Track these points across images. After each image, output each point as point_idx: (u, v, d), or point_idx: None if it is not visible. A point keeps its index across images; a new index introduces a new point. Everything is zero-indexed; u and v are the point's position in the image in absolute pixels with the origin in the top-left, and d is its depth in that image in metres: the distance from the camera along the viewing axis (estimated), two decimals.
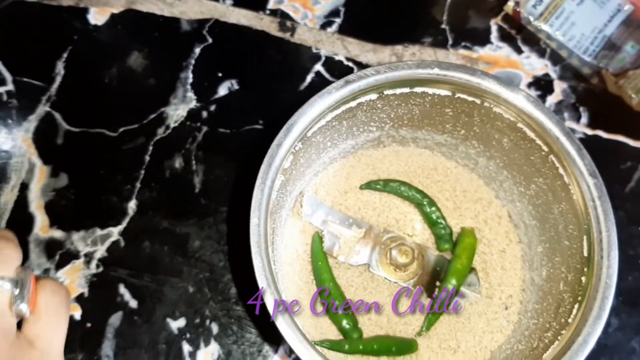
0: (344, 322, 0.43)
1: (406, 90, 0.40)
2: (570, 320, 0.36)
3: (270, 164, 0.36)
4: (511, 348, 0.41)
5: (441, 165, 0.47)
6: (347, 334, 0.43)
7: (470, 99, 0.40)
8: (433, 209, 0.46)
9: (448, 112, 0.42)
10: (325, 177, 0.47)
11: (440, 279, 0.45)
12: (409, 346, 0.43)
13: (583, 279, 0.37)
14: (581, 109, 0.59)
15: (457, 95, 0.40)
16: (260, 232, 0.34)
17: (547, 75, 0.60)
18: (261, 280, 0.34)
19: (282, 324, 0.34)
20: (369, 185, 0.47)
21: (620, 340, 0.51)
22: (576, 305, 0.36)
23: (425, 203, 0.46)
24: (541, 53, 0.61)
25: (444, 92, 0.40)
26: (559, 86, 0.60)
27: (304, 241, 0.46)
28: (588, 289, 0.36)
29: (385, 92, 0.40)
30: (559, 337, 0.36)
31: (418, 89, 0.40)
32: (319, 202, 0.46)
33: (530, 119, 0.39)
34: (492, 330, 0.43)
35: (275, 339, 0.51)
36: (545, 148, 0.39)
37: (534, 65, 0.60)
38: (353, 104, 0.39)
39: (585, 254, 0.37)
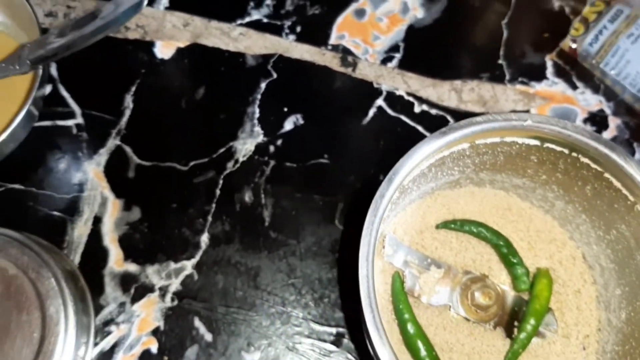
0: None
1: (497, 139, 0.41)
2: None
3: (375, 215, 0.37)
4: None
5: (515, 206, 0.49)
6: None
7: (558, 149, 0.41)
8: (511, 250, 0.47)
9: (533, 160, 0.43)
10: (404, 217, 0.48)
11: (518, 319, 0.46)
12: None
13: None
14: (635, 144, 0.60)
15: (546, 145, 0.41)
16: (369, 283, 0.35)
17: (601, 111, 0.61)
18: (374, 334, 0.35)
19: (382, 347, 0.35)
20: (446, 225, 0.49)
21: None
22: None
23: (502, 244, 0.48)
24: (595, 89, 0.62)
25: (533, 142, 0.41)
26: (613, 122, 0.61)
27: (384, 281, 0.47)
28: None
29: (477, 142, 0.41)
30: None
31: (508, 139, 0.41)
32: (399, 242, 0.47)
33: (618, 170, 0.40)
34: None
35: None
36: (631, 198, 0.41)
37: (589, 101, 0.62)
38: (446, 152, 0.41)
39: None
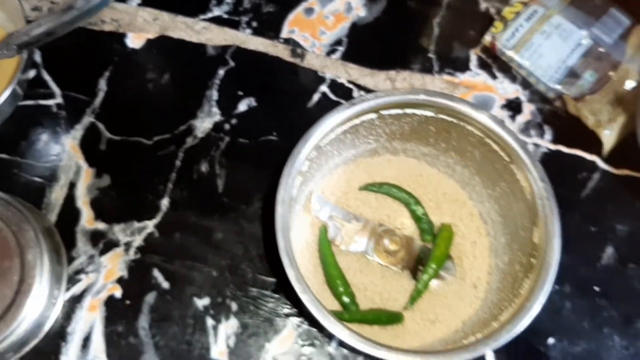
0: (345, 298, 0.53)
1: (399, 111, 0.50)
2: (522, 291, 0.46)
3: (292, 166, 0.46)
4: (477, 317, 0.51)
5: (426, 172, 0.58)
6: (347, 307, 0.53)
7: (449, 119, 0.50)
8: (418, 207, 0.56)
9: (431, 129, 0.52)
10: (331, 179, 0.57)
11: (423, 265, 0.55)
12: (396, 318, 0.53)
13: (533, 260, 0.47)
14: (545, 127, 0.69)
15: (439, 115, 0.50)
16: (284, 220, 0.44)
17: (517, 98, 0.70)
18: (284, 257, 0.43)
19: (303, 293, 0.43)
20: (367, 187, 0.58)
21: (573, 320, 0.61)
22: (526, 280, 0.47)
23: (412, 202, 0.56)
24: (513, 79, 0.71)
25: (428, 113, 0.50)
26: (528, 108, 0.70)
27: (312, 232, 0.56)
28: (536, 267, 0.46)
29: (382, 113, 0.50)
30: (512, 304, 0.46)
31: (408, 110, 0.50)
32: (325, 200, 0.56)
33: (495, 135, 0.49)
34: (464, 305, 0.53)
35: (284, 314, 0.60)
36: (506, 158, 0.50)
37: (507, 89, 0.71)
38: (357, 121, 0.50)
39: (535, 241, 0.47)
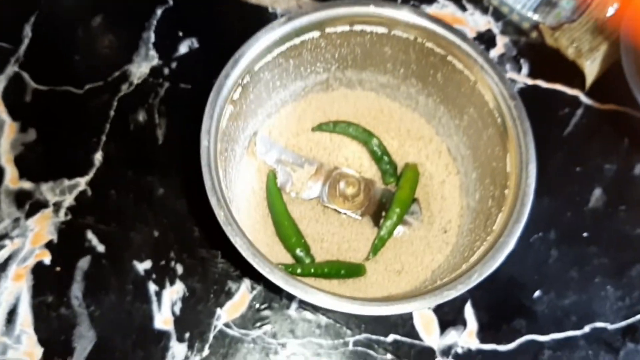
0: (298, 250, 0.47)
1: (346, 28, 0.43)
2: (494, 227, 0.40)
3: (218, 93, 0.39)
4: (448, 264, 0.45)
5: (386, 107, 0.51)
6: (301, 261, 0.47)
7: (405, 35, 0.43)
8: (378, 146, 0.50)
9: (387, 51, 0.45)
10: (278, 119, 0.50)
11: (385, 209, 0.48)
12: (357, 270, 0.47)
13: (506, 191, 0.41)
14: (522, 61, 0.63)
15: (393, 32, 0.43)
16: (210, 153, 0.37)
17: (489, 30, 0.64)
18: (211, 196, 0.37)
19: (243, 247, 0.37)
20: (320, 127, 0.51)
21: (560, 270, 0.55)
22: (499, 215, 0.40)
23: (371, 141, 0.50)
24: (484, 10, 0.64)
25: (380, 30, 0.44)
26: (501, 40, 0.63)
27: (259, 179, 0.49)
28: (509, 198, 0.40)
29: (327, 30, 0.43)
30: (485, 243, 0.40)
31: (357, 27, 0.43)
32: (272, 142, 0.49)
33: (457, 50, 0.42)
34: (433, 252, 0.47)
35: (237, 276, 0.54)
36: (472, 78, 0.43)
37: (478, 22, 0.64)
38: (297, 41, 0.43)
39: (508, 169, 0.41)
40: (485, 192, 0.44)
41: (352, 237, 0.48)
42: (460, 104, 0.46)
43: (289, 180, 0.48)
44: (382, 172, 0.50)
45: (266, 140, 0.48)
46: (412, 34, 0.43)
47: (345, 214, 0.49)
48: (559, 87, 0.62)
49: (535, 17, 0.62)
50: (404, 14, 0.42)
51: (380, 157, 0.49)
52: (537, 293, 0.53)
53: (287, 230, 0.47)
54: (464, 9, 0.64)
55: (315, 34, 0.43)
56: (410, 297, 0.37)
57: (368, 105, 0.51)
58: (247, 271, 0.54)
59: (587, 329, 0.53)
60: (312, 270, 0.46)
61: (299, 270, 0.46)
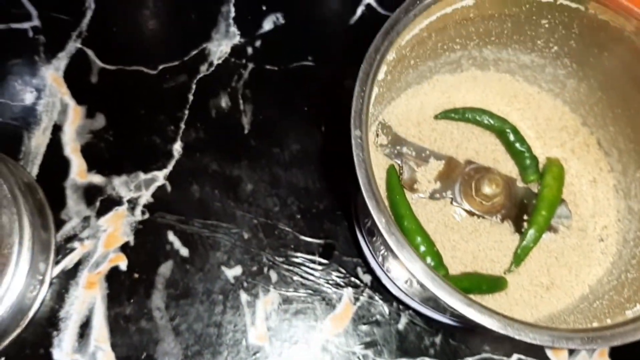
0: (429, 260, 0.40)
1: None
2: None
3: (368, 71, 0.32)
4: (617, 279, 0.38)
5: (522, 92, 0.44)
6: None
7: (574, 5, 0.36)
8: (518, 137, 0.42)
9: (544, 24, 0.38)
10: (399, 105, 0.43)
11: (528, 213, 0.41)
12: (498, 283, 0.40)
13: None
14: None
15: (560, 1, 0.36)
16: (363, 145, 0.30)
17: None
18: (369, 198, 0.30)
19: (395, 244, 0.30)
20: (446, 115, 0.44)
21: None
22: None
23: (508, 131, 0.43)
24: None
25: None
26: None
27: (378, 175, 0.42)
28: None
29: None
30: None
31: None
32: (394, 132, 0.42)
33: None
34: (589, 264, 0.40)
35: (337, 285, 0.47)
36: None
37: None
38: (449, 9, 0.35)
39: None
40: None
41: (489, 244, 0.41)
42: (628, 90, 0.38)
43: (413, 176, 0.41)
44: (522, 168, 0.42)
45: (388, 130, 0.41)
46: (583, 4, 0.36)
47: (482, 217, 0.41)
48: None
49: None
50: None
51: (520, 150, 0.42)
52: None
53: (414, 235, 0.40)
54: None
55: (470, 1, 0.35)
56: (604, 328, 0.30)
57: (500, 89, 0.44)
58: (350, 279, 0.47)
59: None
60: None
61: None
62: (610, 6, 0.35)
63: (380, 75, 0.33)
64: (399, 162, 0.42)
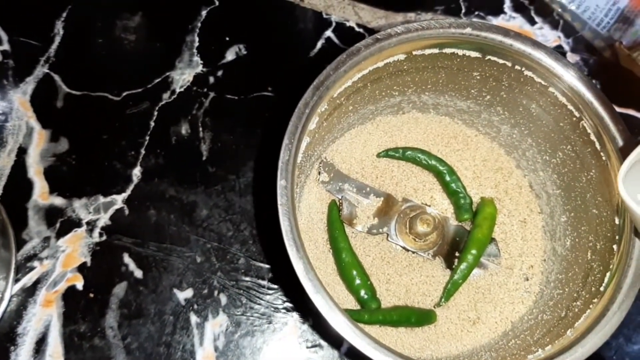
0: (362, 292, 0.42)
1: (435, 51, 0.38)
2: (602, 288, 0.35)
3: (298, 124, 0.34)
4: (535, 318, 0.40)
5: (461, 134, 0.46)
6: (365, 304, 0.42)
7: (501, 61, 0.38)
8: (453, 177, 0.45)
9: (475, 76, 0.40)
10: (342, 143, 0.45)
11: (459, 250, 0.44)
12: (428, 317, 0.42)
13: (615, 247, 0.36)
14: (593, 82, 0.58)
15: (488, 57, 0.38)
16: (288, 194, 0.33)
17: (559, 47, 0.59)
18: (289, 244, 0.32)
19: (316, 294, 0.32)
20: (387, 153, 0.46)
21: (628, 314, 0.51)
22: (608, 274, 0.36)
23: (445, 172, 0.45)
24: (554, 25, 0.60)
25: (474, 54, 0.39)
26: (572, 59, 0.59)
27: (320, 209, 0.44)
28: (621, 257, 0.35)
29: (414, 53, 0.38)
30: (591, 306, 0.35)
31: (448, 50, 0.38)
32: (337, 169, 0.44)
33: (562, 83, 0.37)
34: (513, 302, 0.43)
35: (284, 309, 0.49)
36: (576, 114, 0.38)
37: (547, 36, 0.59)
38: (380, 64, 0.38)
39: (617, 221, 0.36)
40: (581, 241, 0.40)
41: (421, 279, 0.44)
42: (554, 139, 0.41)
43: (353, 212, 0.44)
44: (456, 206, 0.45)
45: (330, 169, 0.44)
46: (510, 60, 0.38)
47: (415, 253, 0.44)
48: (630, 112, 0.57)
49: (610, 34, 0.57)
50: (505, 40, 0.37)
51: (455, 190, 0.45)
52: None
53: (350, 269, 0.42)
54: (532, 22, 0.60)
55: (401, 56, 0.38)
56: None
57: (440, 130, 0.46)
58: (297, 304, 0.49)
59: None
60: (380, 318, 0.41)
61: (365, 317, 0.41)
62: (533, 65, 0.38)
63: (312, 126, 0.36)
64: (340, 197, 0.44)
